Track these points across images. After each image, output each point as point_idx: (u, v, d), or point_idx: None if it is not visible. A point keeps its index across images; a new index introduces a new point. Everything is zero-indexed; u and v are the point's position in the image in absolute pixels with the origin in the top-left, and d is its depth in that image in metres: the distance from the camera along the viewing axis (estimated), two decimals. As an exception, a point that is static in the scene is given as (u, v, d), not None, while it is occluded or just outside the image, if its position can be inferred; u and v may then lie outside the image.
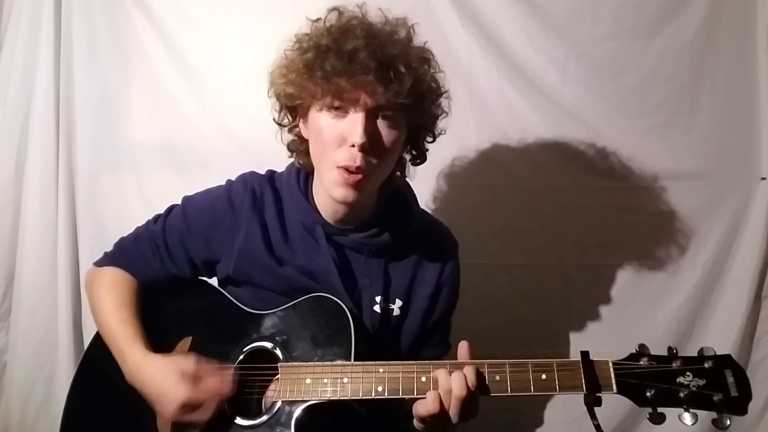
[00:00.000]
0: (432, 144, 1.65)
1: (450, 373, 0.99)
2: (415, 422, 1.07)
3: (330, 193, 1.08)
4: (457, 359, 1.04)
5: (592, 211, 1.68)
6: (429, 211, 1.61)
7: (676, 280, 1.68)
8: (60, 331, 1.71)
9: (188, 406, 1.02)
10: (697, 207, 1.66)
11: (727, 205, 1.66)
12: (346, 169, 1.04)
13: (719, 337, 1.63)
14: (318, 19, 1.10)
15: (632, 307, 1.69)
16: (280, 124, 1.17)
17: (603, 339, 1.67)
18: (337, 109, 1.03)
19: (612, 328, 1.68)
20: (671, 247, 1.68)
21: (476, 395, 0.98)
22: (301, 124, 1.14)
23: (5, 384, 1.76)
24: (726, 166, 1.65)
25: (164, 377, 1.04)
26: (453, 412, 0.98)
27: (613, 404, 1.63)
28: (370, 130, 1.03)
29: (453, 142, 1.67)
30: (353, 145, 1.02)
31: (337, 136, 1.04)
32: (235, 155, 1.67)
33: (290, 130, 1.17)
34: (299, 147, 1.17)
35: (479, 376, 0.99)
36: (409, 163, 1.21)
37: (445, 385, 0.98)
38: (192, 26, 1.70)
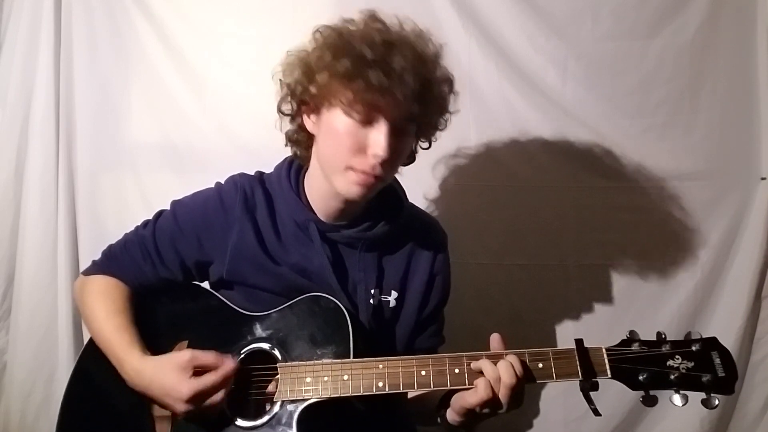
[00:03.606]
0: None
1: (494, 363, 1.00)
2: (453, 415, 1.06)
3: (339, 189, 1.09)
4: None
5: (592, 211, 1.68)
6: (429, 211, 1.61)
7: (676, 280, 1.68)
8: (60, 331, 1.71)
9: (197, 397, 1.02)
10: (697, 207, 1.66)
11: (727, 205, 1.66)
12: (362, 172, 1.05)
13: (719, 337, 1.62)
14: (351, 20, 1.09)
15: (632, 307, 1.69)
16: (282, 112, 1.16)
17: (603, 339, 1.66)
18: (366, 119, 1.03)
19: (612, 328, 1.67)
20: (671, 247, 1.68)
21: (523, 383, 1.00)
22: (305, 117, 1.13)
23: (5, 384, 1.76)
24: (726, 166, 1.65)
25: (165, 376, 1.04)
26: (504, 400, 1.00)
27: (614, 404, 1.64)
28: (392, 142, 1.04)
29: (453, 142, 1.67)
30: (376, 155, 1.03)
31: (359, 143, 1.04)
32: (235, 155, 1.67)
33: (292, 120, 1.16)
34: (299, 138, 1.17)
35: (524, 364, 1.01)
36: None
37: (492, 373, 0.99)
38: (192, 26, 1.70)
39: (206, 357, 1.05)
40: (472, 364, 1.02)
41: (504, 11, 1.65)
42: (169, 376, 1.04)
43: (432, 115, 1.09)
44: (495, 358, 1.01)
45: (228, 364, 1.04)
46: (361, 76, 0.99)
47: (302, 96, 1.10)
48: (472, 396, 1.00)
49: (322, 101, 1.06)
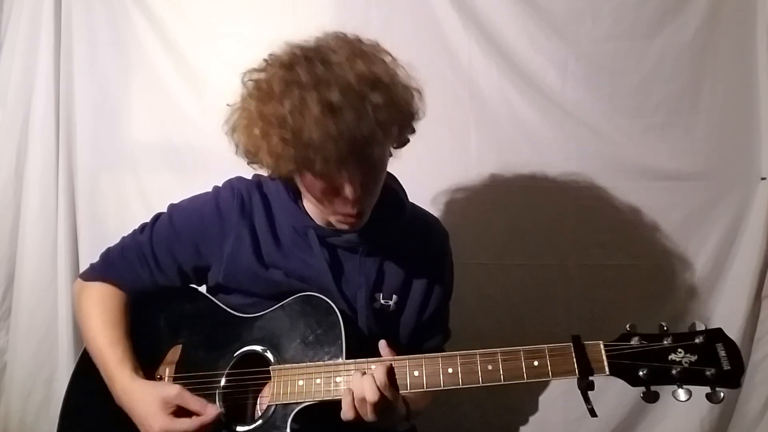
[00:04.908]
0: (432, 142, 1.64)
1: (363, 374, 0.98)
2: None
3: (332, 222, 1.10)
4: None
5: (592, 211, 1.68)
6: (429, 212, 1.61)
7: (676, 280, 1.68)
8: (60, 331, 1.72)
9: None
10: (697, 207, 1.66)
11: (727, 205, 1.65)
12: (345, 214, 1.04)
13: (719, 336, 1.63)
14: (262, 81, 0.99)
15: (632, 307, 1.68)
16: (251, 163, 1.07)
17: (603, 339, 1.66)
18: (320, 176, 0.98)
19: (612, 328, 1.67)
20: (671, 247, 1.67)
21: (389, 398, 0.98)
22: None
23: (5, 384, 1.76)
24: (726, 166, 1.65)
25: (147, 404, 1.05)
26: (368, 417, 0.98)
27: (613, 404, 1.64)
28: (361, 179, 0.99)
29: (453, 142, 1.67)
30: (347, 199, 1.00)
31: (329, 191, 1.00)
32: (235, 155, 1.66)
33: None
34: (280, 175, 1.08)
35: (390, 375, 0.99)
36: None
37: (357, 389, 0.97)
38: (192, 26, 1.70)
39: (192, 401, 1.05)
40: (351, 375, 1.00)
41: (504, 11, 1.65)
42: (149, 406, 1.04)
43: (395, 139, 1.02)
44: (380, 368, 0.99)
45: (208, 415, 1.04)
46: (289, 158, 0.93)
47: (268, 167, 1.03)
48: (341, 413, 0.99)
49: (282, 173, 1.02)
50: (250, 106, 0.99)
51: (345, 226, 1.08)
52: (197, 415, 1.05)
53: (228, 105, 1.04)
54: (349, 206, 1.02)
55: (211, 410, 1.04)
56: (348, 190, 0.98)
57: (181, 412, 1.04)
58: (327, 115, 0.90)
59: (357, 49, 0.99)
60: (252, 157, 1.03)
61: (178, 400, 1.04)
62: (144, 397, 1.06)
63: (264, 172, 1.08)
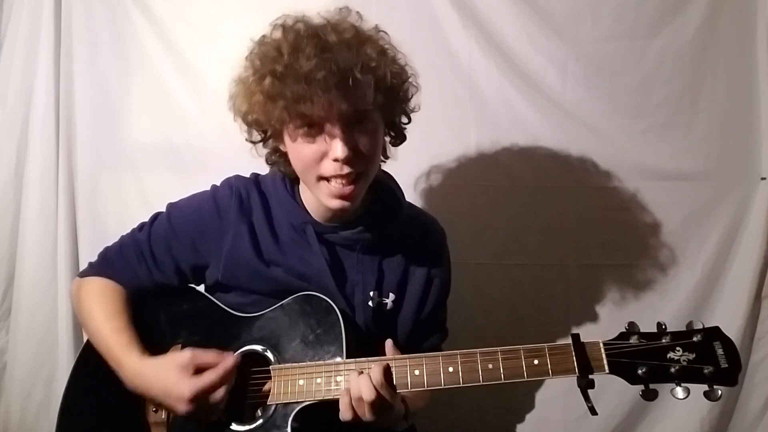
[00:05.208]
0: (432, 142, 1.64)
1: (360, 374, 0.99)
2: None
3: (323, 203, 1.08)
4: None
5: (592, 211, 1.68)
6: (428, 212, 1.61)
7: (676, 280, 1.68)
8: (60, 331, 1.72)
9: (198, 396, 1.02)
10: (697, 207, 1.66)
11: (727, 205, 1.65)
12: (338, 178, 1.03)
13: (719, 336, 1.63)
14: (264, 38, 1.05)
15: (632, 307, 1.68)
16: (252, 142, 1.13)
17: (603, 339, 1.66)
18: (310, 127, 1.00)
19: (612, 328, 1.66)
20: (671, 247, 1.67)
21: (389, 395, 0.98)
22: (273, 140, 1.12)
23: (5, 384, 1.76)
24: (726, 166, 1.65)
25: (165, 376, 1.04)
26: (366, 417, 0.98)
27: (614, 404, 1.64)
28: (349, 140, 1.00)
29: (453, 142, 1.67)
30: (336, 159, 1.00)
31: (317, 153, 1.02)
32: (235, 155, 1.66)
33: (264, 144, 1.14)
34: (277, 159, 1.15)
35: (387, 374, 0.99)
36: (389, 145, 1.18)
37: (355, 390, 0.98)
38: (192, 26, 1.70)
39: (206, 356, 1.05)
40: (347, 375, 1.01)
41: (504, 11, 1.65)
42: (170, 376, 1.03)
43: (381, 94, 1.01)
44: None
45: (228, 361, 1.04)
46: (279, 95, 0.97)
47: (256, 126, 1.09)
48: (339, 413, 1.00)
49: (273, 125, 1.05)
50: (248, 66, 1.05)
51: (337, 203, 1.06)
52: (216, 369, 1.04)
53: (234, 80, 1.09)
54: (339, 166, 1.01)
55: (229, 357, 1.05)
56: (336, 149, 0.99)
57: (199, 372, 1.04)
58: (321, 53, 0.96)
59: (354, 20, 1.06)
60: (246, 119, 1.07)
61: (194, 360, 1.04)
62: (159, 371, 1.06)
63: (259, 149, 1.13)
